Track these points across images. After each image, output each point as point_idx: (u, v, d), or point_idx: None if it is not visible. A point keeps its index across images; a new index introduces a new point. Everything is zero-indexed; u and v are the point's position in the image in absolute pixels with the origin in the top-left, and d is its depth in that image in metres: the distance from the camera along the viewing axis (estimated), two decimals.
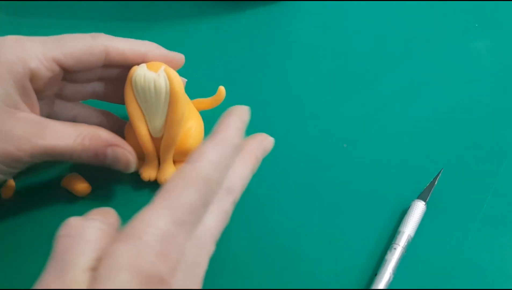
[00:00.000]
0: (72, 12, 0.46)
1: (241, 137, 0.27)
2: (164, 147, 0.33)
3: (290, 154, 0.37)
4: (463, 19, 0.45)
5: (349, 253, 0.32)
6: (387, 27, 0.45)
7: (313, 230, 0.33)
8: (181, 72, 0.33)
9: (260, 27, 0.45)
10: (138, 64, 0.32)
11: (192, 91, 0.35)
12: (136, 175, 0.34)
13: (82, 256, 0.21)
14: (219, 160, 0.24)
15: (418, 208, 0.33)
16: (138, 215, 0.22)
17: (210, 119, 0.32)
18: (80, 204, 0.35)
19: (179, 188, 0.23)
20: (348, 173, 0.36)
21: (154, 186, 0.34)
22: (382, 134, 0.38)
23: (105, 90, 0.35)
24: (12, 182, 0.35)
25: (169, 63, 0.33)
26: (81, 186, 0.34)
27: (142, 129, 0.32)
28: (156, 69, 0.31)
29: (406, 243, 0.32)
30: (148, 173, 0.34)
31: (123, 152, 0.32)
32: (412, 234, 0.32)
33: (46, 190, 0.35)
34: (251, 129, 0.28)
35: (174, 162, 0.34)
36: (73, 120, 0.35)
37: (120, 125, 0.35)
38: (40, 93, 0.31)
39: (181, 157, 0.34)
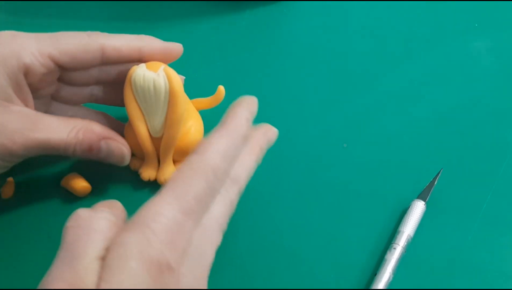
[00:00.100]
0: (72, 12, 0.46)
1: (249, 127, 0.27)
2: (164, 147, 0.33)
3: (290, 154, 0.37)
4: (463, 19, 0.45)
5: (349, 253, 0.32)
6: (387, 27, 0.45)
7: (313, 230, 0.33)
8: (181, 72, 0.33)
9: (260, 27, 0.45)
10: (135, 60, 0.32)
11: (192, 91, 0.35)
12: (136, 175, 0.34)
13: (92, 245, 0.22)
14: (227, 151, 0.25)
15: (418, 208, 0.33)
16: (146, 204, 0.22)
17: (210, 119, 0.32)
18: (80, 204, 0.34)
19: (187, 178, 0.23)
20: (348, 173, 0.36)
21: (154, 186, 0.34)
22: (382, 134, 0.38)
23: (103, 93, 0.35)
24: (12, 182, 0.35)
25: (168, 54, 0.33)
26: (81, 186, 0.34)
27: (141, 129, 0.32)
28: (156, 69, 0.31)
29: (405, 243, 0.32)
30: (148, 173, 0.34)
31: (117, 145, 0.32)
32: (412, 234, 0.32)
33: (46, 190, 0.35)
34: None
35: (174, 161, 0.34)
36: None
37: (117, 127, 0.35)
38: (35, 91, 0.31)
39: (181, 156, 0.34)
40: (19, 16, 0.45)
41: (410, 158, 0.37)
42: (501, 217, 0.34)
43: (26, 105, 0.31)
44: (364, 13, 0.46)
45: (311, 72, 0.42)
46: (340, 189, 0.35)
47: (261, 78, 0.41)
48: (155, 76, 0.31)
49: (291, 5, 0.46)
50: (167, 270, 0.21)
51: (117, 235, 0.22)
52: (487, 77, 0.41)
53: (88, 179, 0.35)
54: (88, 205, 0.34)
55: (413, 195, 0.34)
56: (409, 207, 0.33)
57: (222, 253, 0.32)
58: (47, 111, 0.34)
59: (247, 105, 0.28)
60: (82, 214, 0.23)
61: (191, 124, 0.34)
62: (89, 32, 0.32)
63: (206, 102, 0.36)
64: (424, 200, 0.33)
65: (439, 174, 0.34)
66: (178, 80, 0.31)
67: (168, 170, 0.34)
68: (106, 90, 0.35)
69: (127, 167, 0.34)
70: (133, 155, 0.34)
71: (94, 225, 0.22)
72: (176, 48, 0.33)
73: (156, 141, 0.33)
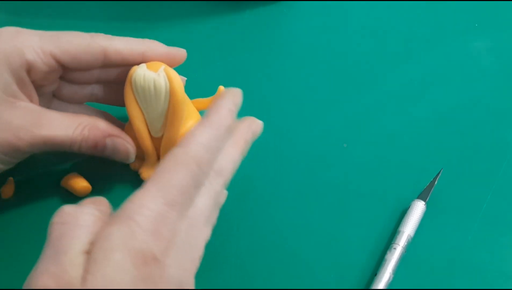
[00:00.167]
0: (72, 12, 0.46)
1: (233, 119, 0.27)
2: (164, 147, 0.33)
3: (290, 153, 0.37)
4: (463, 19, 0.45)
5: (349, 253, 0.32)
6: (387, 27, 0.45)
7: (313, 230, 0.33)
8: (181, 72, 0.33)
9: (260, 27, 0.45)
10: (137, 63, 0.32)
11: (192, 91, 0.35)
12: (136, 175, 0.34)
13: (77, 240, 0.22)
14: (210, 142, 0.25)
15: (418, 208, 0.33)
16: (130, 197, 0.23)
17: None
18: None
19: (171, 170, 0.23)
20: (348, 173, 0.36)
21: None
22: (382, 134, 0.38)
23: (104, 92, 0.35)
24: (12, 182, 0.35)
25: (171, 60, 0.33)
26: (81, 186, 0.34)
27: (142, 129, 0.32)
28: (156, 69, 0.31)
29: (406, 243, 0.32)
30: (148, 173, 0.34)
31: (123, 143, 0.32)
32: (412, 234, 0.32)
33: (46, 190, 0.35)
34: None
35: None
36: None
37: (117, 126, 0.35)
38: (37, 88, 0.31)
39: None
40: (19, 16, 0.45)
41: (410, 158, 0.37)
42: (501, 217, 0.34)
43: (31, 101, 0.31)
44: (364, 13, 0.46)
45: (311, 72, 0.42)
46: (340, 189, 0.35)
47: (261, 78, 0.41)
48: (156, 76, 0.31)
49: (291, 5, 0.46)
50: (152, 261, 0.21)
51: (102, 229, 0.22)
52: (487, 77, 0.41)
53: (88, 179, 0.35)
54: None
55: (413, 195, 0.34)
56: (409, 207, 0.33)
57: (222, 253, 0.32)
58: (48, 108, 0.34)
59: (231, 97, 0.28)
60: (67, 210, 0.23)
61: (192, 124, 0.33)
62: (92, 34, 0.32)
63: (206, 102, 0.36)
64: (424, 200, 0.33)
65: (439, 174, 0.34)
66: (178, 80, 0.31)
67: None
68: (106, 89, 0.35)
69: (127, 167, 0.34)
70: None
71: (79, 220, 0.23)
72: (179, 53, 0.33)
73: (156, 141, 0.33)
